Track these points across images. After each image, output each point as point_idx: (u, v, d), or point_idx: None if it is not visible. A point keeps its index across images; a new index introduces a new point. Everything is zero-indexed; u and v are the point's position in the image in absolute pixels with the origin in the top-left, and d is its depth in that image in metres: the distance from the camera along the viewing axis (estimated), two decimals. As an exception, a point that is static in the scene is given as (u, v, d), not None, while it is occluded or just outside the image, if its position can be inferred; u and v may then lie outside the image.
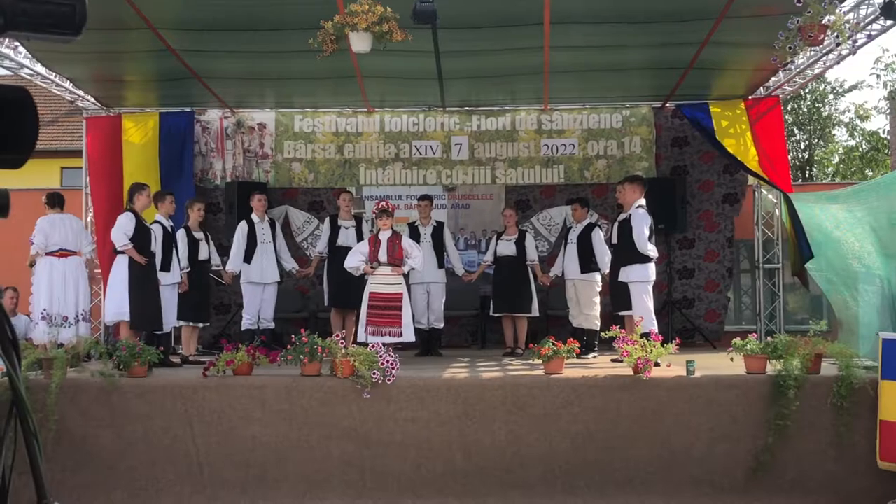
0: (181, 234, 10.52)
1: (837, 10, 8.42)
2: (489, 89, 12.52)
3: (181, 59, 10.63)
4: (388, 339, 9.57)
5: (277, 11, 9.18)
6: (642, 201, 9.89)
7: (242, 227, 11.12)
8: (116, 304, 9.79)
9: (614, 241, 10.20)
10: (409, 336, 10.03)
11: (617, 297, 10.05)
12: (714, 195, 13.39)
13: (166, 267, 10.12)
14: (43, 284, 10.15)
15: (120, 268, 9.81)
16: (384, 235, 10.16)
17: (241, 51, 10.39)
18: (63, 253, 10.25)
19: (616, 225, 10.23)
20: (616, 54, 10.66)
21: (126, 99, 12.60)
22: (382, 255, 10.02)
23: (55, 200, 10.50)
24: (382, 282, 10.05)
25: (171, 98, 12.67)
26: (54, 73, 11.14)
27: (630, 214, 9.84)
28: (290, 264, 11.48)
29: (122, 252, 9.74)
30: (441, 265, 11.44)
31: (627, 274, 9.76)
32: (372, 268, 10.02)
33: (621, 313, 9.88)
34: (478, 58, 10.67)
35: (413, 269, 10.28)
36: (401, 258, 10.06)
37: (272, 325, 11.27)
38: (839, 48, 9.71)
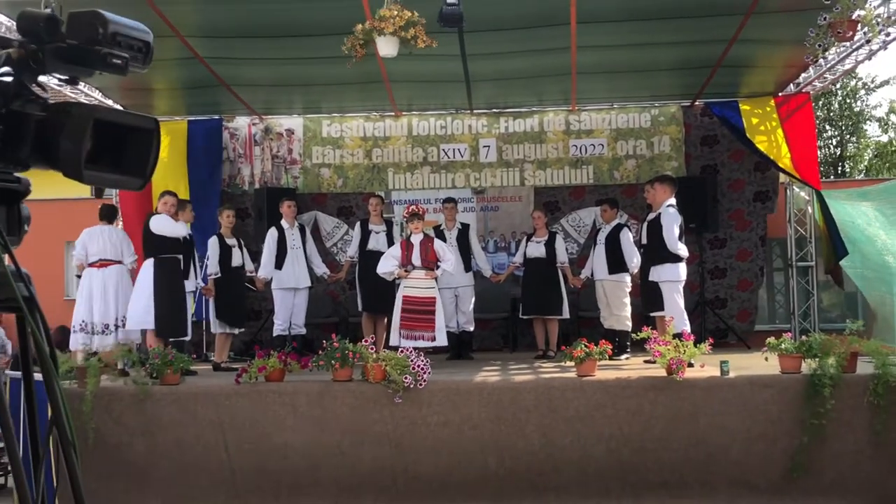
0: (213, 241, 10.55)
1: (867, 5, 8.34)
2: (516, 91, 12.49)
3: (208, 66, 10.68)
4: (421, 343, 9.56)
5: (303, 18, 9.21)
6: (672, 201, 9.81)
7: (272, 233, 11.15)
8: (141, 312, 9.82)
9: (644, 241, 10.12)
10: (441, 340, 10.00)
11: (647, 298, 9.98)
12: (745, 193, 13.27)
13: (185, 275, 10.18)
14: (83, 295, 10.23)
15: (146, 275, 9.85)
16: (416, 239, 10.14)
17: (267, 57, 10.44)
18: (103, 263, 10.30)
19: (645, 225, 10.16)
20: (644, 53, 10.61)
21: (155, 108, 12.65)
22: (416, 259, 10.00)
23: (104, 213, 10.59)
24: (416, 286, 10.03)
25: (199, 105, 12.74)
26: (84, 83, 11.20)
27: (659, 214, 9.77)
28: (322, 269, 11.49)
29: (150, 258, 9.78)
30: (468, 268, 11.38)
31: (658, 274, 9.70)
32: (406, 272, 10.00)
33: (652, 314, 9.81)
34: (504, 59, 10.66)
35: (446, 271, 10.24)
36: (434, 261, 10.03)
37: (303, 331, 11.29)
38: (870, 43, 9.60)
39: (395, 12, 7.88)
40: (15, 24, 1.77)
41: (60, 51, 1.96)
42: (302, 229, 11.48)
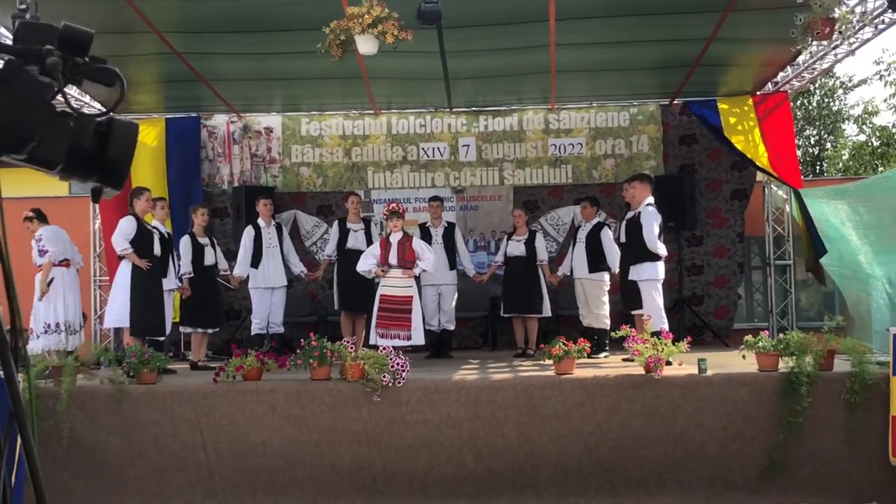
0: (185, 240, 10.50)
1: (841, 5, 8.38)
2: (496, 89, 12.50)
3: (185, 61, 10.62)
4: (397, 343, 9.54)
5: (281, 12, 9.17)
6: (651, 199, 9.84)
7: (249, 231, 11.11)
8: (117, 310, 9.80)
9: (623, 239, 10.15)
10: (418, 339, 9.99)
11: (627, 296, 10.01)
12: (722, 192, 13.33)
13: (164, 273, 10.14)
14: (55, 295, 10.21)
15: (123, 273, 9.81)
16: (395, 238, 10.11)
17: (245, 52, 10.39)
18: (65, 263, 10.34)
19: (624, 224, 10.19)
20: (623, 50, 10.63)
21: (132, 104, 12.54)
22: (393, 258, 9.98)
23: (42, 214, 10.69)
24: (393, 284, 10.00)
25: (177, 101, 12.67)
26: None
27: (639, 213, 9.79)
28: (299, 268, 11.45)
29: (124, 257, 9.74)
30: (453, 266, 11.39)
31: (637, 273, 9.73)
32: (383, 271, 9.98)
33: (632, 312, 9.84)
34: (484, 57, 10.66)
35: (424, 270, 10.23)
36: (412, 260, 10.01)
37: (282, 330, 11.27)
38: (846, 41, 9.65)
39: (366, 9, 7.88)
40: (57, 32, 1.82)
41: (87, 66, 2.05)
42: (279, 228, 11.44)
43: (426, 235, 11.24)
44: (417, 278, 10.39)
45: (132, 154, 2.09)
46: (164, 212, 10.73)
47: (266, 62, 10.78)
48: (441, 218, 11.60)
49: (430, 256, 10.17)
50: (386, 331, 9.84)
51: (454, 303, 11.35)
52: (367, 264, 10.13)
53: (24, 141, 1.84)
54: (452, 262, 11.40)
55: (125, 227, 9.71)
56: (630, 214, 10.05)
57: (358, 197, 11.79)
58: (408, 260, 9.99)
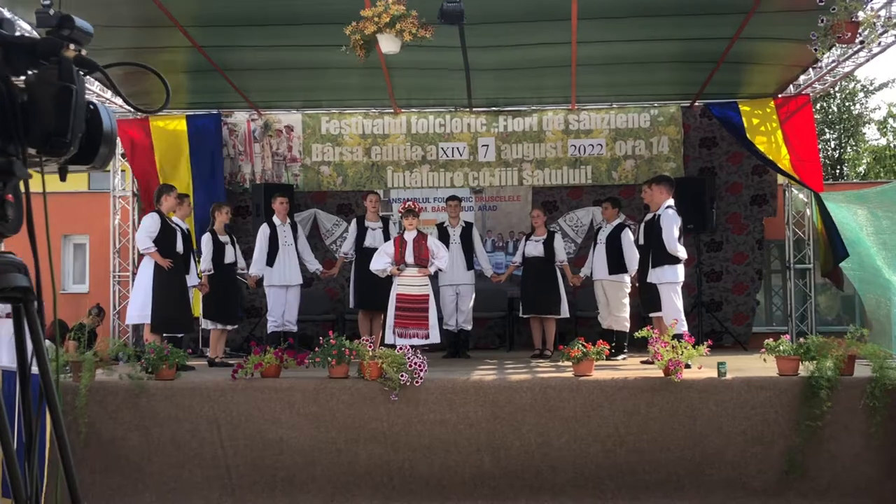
0: (206, 238, 10.51)
1: (865, 7, 8.33)
2: (516, 85, 12.43)
3: (206, 55, 10.64)
4: (415, 341, 9.53)
5: (302, 6, 9.17)
6: (671, 202, 9.79)
7: (264, 230, 11.06)
8: (139, 307, 9.84)
9: (641, 241, 10.11)
10: (434, 337, 9.98)
11: (646, 299, 9.97)
12: (742, 197, 13.27)
13: (186, 269, 10.17)
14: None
15: (145, 270, 9.85)
16: (409, 236, 10.09)
17: (266, 45, 10.40)
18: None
19: (643, 226, 10.15)
20: (645, 48, 10.61)
21: (152, 99, 12.52)
22: (409, 257, 9.96)
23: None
24: (409, 283, 9.99)
25: (197, 96, 12.66)
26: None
27: (658, 215, 9.75)
28: (314, 266, 11.41)
29: (146, 254, 9.77)
30: (470, 266, 11.37)
31: (657, 275, 9.68)
32: (398, 269, 9.97)
33: (651, 315, 9.79)
34: (505, 53, 10.63)
35: (439, 269, 10.22)
36: (427, 259, 9.99)
37: (295, 328, 11.20)
38: (870, 44, 9.59)
39: (381, 9, 7.89)
40: (73, 23, 1.80)
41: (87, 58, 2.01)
42: (294, 226, 11.38)
43: (444, 235, 11.22)
44: (434, 278, 10.37)
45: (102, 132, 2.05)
46: (187, 209, 10.75)
47: (286, 55, 10.78)
48: (459, 217, 11.58)
49: (444, 255, 10.16)
50: (404, 330, 9.82)
51: (472, 303, 11.33)
52: (381, 263, 10.10)
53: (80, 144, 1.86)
54: (470, 262, 11.38)
55: (149, 225, 9.74)
56: (649, 216, 10.01)
57: (377, 195, 11.76)
58: (423, 258, 9.98)
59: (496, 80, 12.08)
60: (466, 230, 11.48)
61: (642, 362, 9.29)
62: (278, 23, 9.69)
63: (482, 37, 9.90)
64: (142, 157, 12.89)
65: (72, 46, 1.88)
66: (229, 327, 10.81)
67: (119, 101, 11.24)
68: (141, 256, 10.12)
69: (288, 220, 11.29)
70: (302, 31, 9.86)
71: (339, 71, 11.17)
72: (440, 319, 10.32)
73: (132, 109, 11.23)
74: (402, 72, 11.48)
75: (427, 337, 9.84)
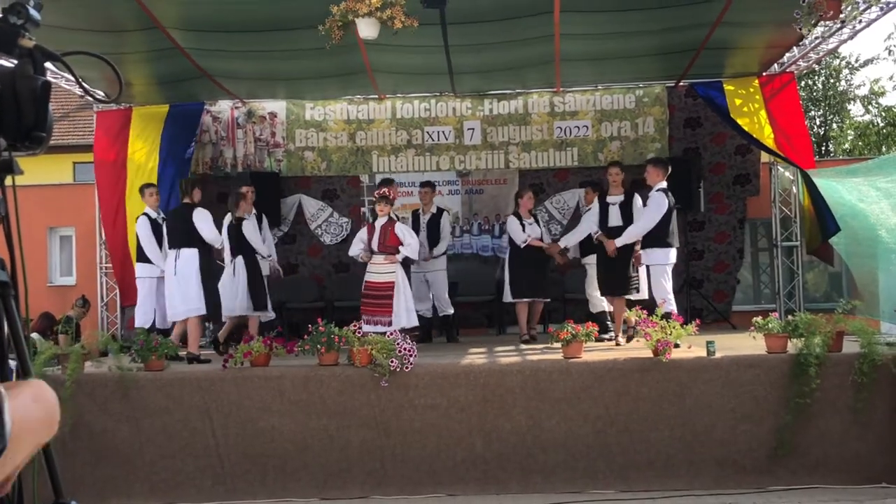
0: (252, 225, 10.39)
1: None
2: (500, 79, 12.46)
3: (191, 58, 10.64)
4: (379, 329, 9.45)
5: (285, 9, 9.16)
6: (664, 184, 9.70)
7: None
8: (191, 300, 9.52)
9: (619, 222, 9.94)
10: (399, 323, 9.79)
11: (608, 282, 9.95)
12: (725, 177, 13.32)
13: (144, 258, 10.30)
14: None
15: (190, 263, 9.57)
16: (379, 223, 10.09)
17: (250, 50, 10.40)
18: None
19: (618, 206, 10.04)
20: (627, 40, 10.62)
21: (136, 97, 12.47)
22: (375, 243, 9.98)
23: None
24: (375, 270, 10.04)
25: (182, 96, 12.60)
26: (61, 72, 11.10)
27: (632, 196, 9.80)
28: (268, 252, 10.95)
29: (191, 246, 9.59)
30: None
31: (648, 257, 9.66)
32: (367, 256, 10.00)
33: (607, 297, 9.93)
34: (488, 51, 10.62)
35: (407, 257, 10.18)
36: (394, 245, 9.97)
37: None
38: (853, 21, 9.59)
39: None
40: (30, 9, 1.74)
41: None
42: (259, 218, 11.04)
43: (416, 221, 11.23)
44: (406, 264, 10.32)
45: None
46: (155, 198, 10.72)
47: (271, 60, 10.87)
48: (432, 204, 11.52)
49: (412, 242, 10.10)
50: (370, 317, 9.85)
51: (447, 288, 11.34)
52: (355, 249, 10.18)
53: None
54: (433, 248, 11.33)
55: (209, 217, 9.68)
56: (617, 198, 9.99)
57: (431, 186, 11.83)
58: (389, 245, 9.96)
59: (480, 79, 12.16)
60: (435, 217, 11.41)
61: (628, 339, 9.40)
62: (262, 28, 9.70)
63: (465, 35, 9.89)
64: (111, 146, 12.72)
65: (27, 35, 1.85)
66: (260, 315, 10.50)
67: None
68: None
69: (254, 212, 10.80)
70: (287, 36, 9.85)
71: (325, 77, 11.19)
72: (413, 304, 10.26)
73: (92, 98, 11.16)
74: (385, 75, 11.50)
75: (390, 324, 9.72)
